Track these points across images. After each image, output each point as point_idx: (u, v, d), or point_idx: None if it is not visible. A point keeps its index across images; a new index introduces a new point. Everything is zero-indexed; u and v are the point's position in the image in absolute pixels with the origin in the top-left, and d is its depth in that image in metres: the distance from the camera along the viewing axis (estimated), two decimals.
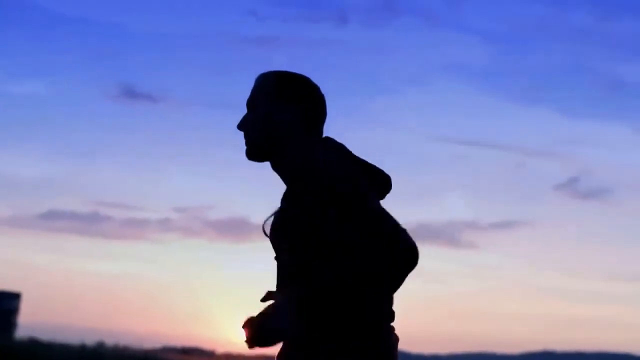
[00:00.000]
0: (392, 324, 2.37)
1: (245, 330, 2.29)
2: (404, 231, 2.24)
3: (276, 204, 2.48)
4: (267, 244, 2.50)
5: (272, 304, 2.26)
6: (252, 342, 2.28)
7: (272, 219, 2.47)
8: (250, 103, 2.53)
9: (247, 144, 2.51)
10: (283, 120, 2.46)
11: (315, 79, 2.58)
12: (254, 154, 2.51)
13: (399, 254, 2.20)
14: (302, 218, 2.32)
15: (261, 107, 2.49)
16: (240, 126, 2.52)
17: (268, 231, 2.47)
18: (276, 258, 2.46)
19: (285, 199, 2.43)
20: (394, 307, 2.39)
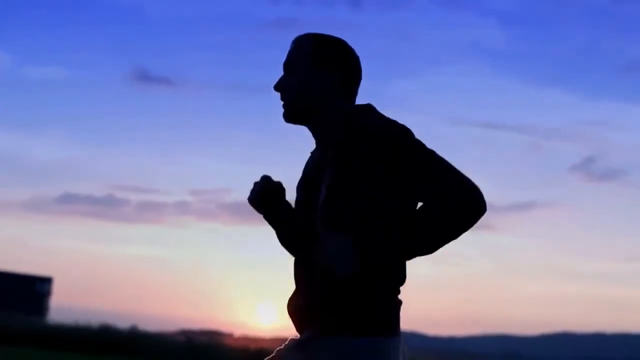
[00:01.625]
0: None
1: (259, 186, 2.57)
2: (470, 181, 2.40)
3: (292, 187, 2.61)
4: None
5: (332, 240, 2.37)
6: (256, 199, 2.58)
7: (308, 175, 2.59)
8: (288, 65, 2.56)
9: (285, 107, 2.56)
10: (323, 84, 2.52)
11: None
12: (293, 118, 2.56)
13: (474, 199, 2.37)
14: (359, 176, 2.40)
15: (300, 70, 2.53)
16: (277, 87, 2.57)
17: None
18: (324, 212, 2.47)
19: (325, 160, 2.50)
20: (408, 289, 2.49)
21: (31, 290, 33.20)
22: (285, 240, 2.64)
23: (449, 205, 2.35)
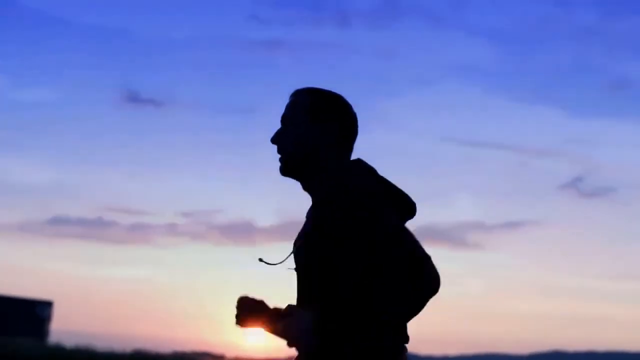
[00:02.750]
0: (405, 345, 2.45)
1: (238, 309, 2.48)
2: (428, 259, 2.36)
3: (283, 208, 2.81)
4: (273, 248, 2.64)
5: (295, 316, 2.37)
6: (239, 321, 2.48)
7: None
8: (286, 119, 2.59)
9: (282, 161, 2.57)
10: (319, 139, 2.54)
11: (320, 81, 2.85)
12: (290, 171, 2.57)
13: (424, 282, 2.33)
14: (325, 243, 2.41)
15: (297, 124, 2.55)
16: (274, 140, 2.59)
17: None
18: (297, 270, 2.53)
19: (311, 219, 2.52)
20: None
21: (32, 314, 33.11)
22: None
23: (418, 298, 2.34)
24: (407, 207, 2.51)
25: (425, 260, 2.35)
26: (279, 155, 2.58)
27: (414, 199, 2.52)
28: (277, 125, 2.62)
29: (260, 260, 2.54)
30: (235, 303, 2.48)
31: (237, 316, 2.47)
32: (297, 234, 2.59)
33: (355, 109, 2.60)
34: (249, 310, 2.45)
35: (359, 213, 2.37)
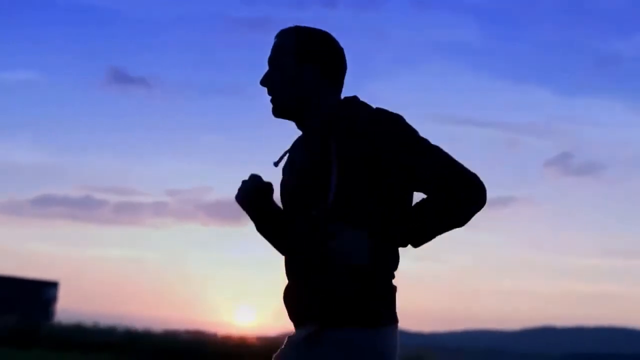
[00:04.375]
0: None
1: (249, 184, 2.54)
2: (467, 168, 2.39)
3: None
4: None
5: (346, 236, 2.36)
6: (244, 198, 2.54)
7: (286, 158, 2.60)
8: (273, 61, 2.57)
9: (273, 102, 2.56)
10: (309, 78, 2.52)
11: None
12: (282, 112, 2.57)
13: (475, 190, 2.37)
14: (365, 152, 2.39)
15: (285, 65, 2.54)
16: (263, 82, 2.57)
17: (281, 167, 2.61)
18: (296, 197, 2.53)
19: (314, 146, 2.49)
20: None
21: (37, 295, 33.26)
22: (272, 238, 2.65)
23: (458, 200, 2.35)
24: None
25: (467, 171, 2.39)
26: (270, 97, 2.56)
27: None
28: (265, 105, 2.60)
29: (276, 164, 2.60)
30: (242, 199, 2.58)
31: (239, 191, 2.58)
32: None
33: (342, 90, 2.58)
34: (256, 190, 2.56)
35: (383, 132, 2.39)
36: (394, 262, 2.45)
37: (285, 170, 2.61)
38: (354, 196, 2.40)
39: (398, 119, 2.42)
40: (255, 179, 2.58)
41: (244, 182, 2.59)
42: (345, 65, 2.58)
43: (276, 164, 2.59)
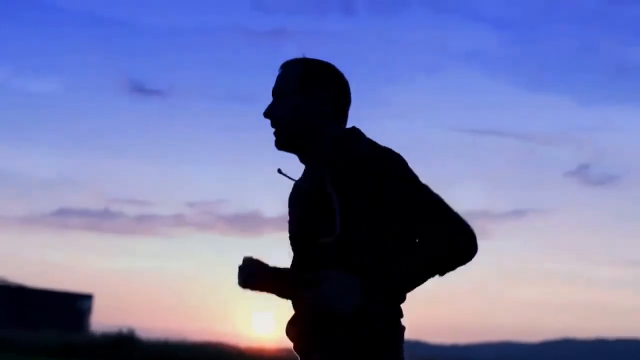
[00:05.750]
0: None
1: (242, 271, 2.41)
2: (463, 220, 2.37)
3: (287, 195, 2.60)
4: (280, 238, 2.56)
5: (331, 284, 2.33)
6: (244, 283, 2.41)
7: (299, 183, 2.56)
8: (278, 91, 2.52)
9: (277, 134, 2.51)
10: (313, 110, 2.48)
11: None
12: (285, 145, 2.52)
13: (464, 240, 2.35)
14: (360, 198, 2.36)
15: (290, 96, 2.49)
16: (267, 114, 2.52)
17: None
18: (299, 235, 2.51)
19: (319, 181, 2.45)
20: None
21: (72, 307, 33.32)
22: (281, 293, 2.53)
23: (453, 249, 2.33)
24: None
25: (464, 221, 2.38)
26: (273, 129, 2.52)
27: None
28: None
29: (279, 171, 2.54)
30: (239, 270, 2.42)
31: (242, 277, 2.41)
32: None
33: (360, 97, 2.56)
34: (257, 271, 2.40)
35: (395, 168, 2.37)
36: (398, 300, 2.41)
37: (291, 201, 2.58)
38: (353, 231, 2.36)
39: (401, 162, 2.39)
40: (249, 262, 2.43)
41: (240, 268, 2.42)
42: (350, 98, 2.54)
43: (280, 171, 2.56)
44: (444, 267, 2.36)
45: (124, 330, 23.23)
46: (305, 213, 2.48)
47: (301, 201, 2.51)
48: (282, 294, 2.48)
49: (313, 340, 2.40)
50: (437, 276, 2.38)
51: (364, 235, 2.36)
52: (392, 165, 2.37)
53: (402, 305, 2.43)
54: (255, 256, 2.39)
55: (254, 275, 2.40)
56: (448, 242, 2.34)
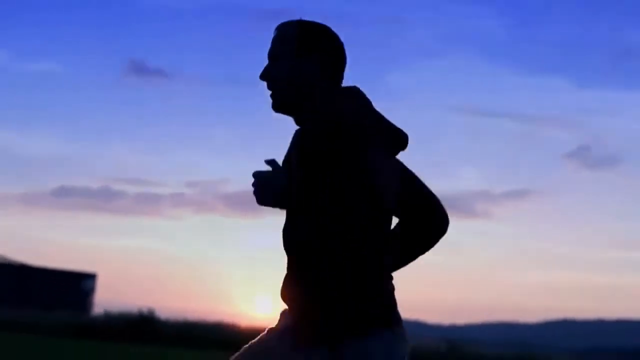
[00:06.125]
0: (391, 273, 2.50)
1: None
2: (434, 197, 2.45)
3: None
4: (280, 217, 2.56)
5: (260, 176, 2.42)
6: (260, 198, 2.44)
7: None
8: (273, 54, 2.55)
9: (273, 96, 2.53)
10: (308, 71, 2.50)
11: None
12: (281, 107, 2.53)
13: (435, 219, 2.44)
14: (310, 174, 2.38)
15: (285, 58, 2.52)
16: (263, 76, 2.54)
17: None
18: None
19: (297, 146, 2.50)
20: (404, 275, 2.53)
21: (76, 287, 33.23)
22: None
23: (432, 232, 2.44)
24: (399, 141, 2.47)
25: (432, 199, 2.44)
26: (270, 92, 2.53)
27: (420, 168, 2.50)
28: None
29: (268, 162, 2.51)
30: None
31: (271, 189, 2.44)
32: None
33: (362, 80, 2.56)
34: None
35: (342, 144, 2.36)
36: (381, 263, 2.43)
37: (284, 164, 2.58)
38: (315, 203, 2.37)
39: (381, 133, 2.41)
40: (274, 167, 2.47)
41: (264, 178, 2.45)
42: (345, 60, 2.56)
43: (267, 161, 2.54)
44: (424, 245, 2.46)
45: (144, 310, 23.22)
46: (291, 178, 2.48)
47: (286, 161, 2.56)
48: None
49: (307, 320, 2.42)
50: (418, 254, 2.48)
51: (328, 206, 2.35)
52: (370, 135, 2.38)
53: (397, 287, 2.47)
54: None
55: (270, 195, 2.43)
56: (437, 228, 2.44)
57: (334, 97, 2.48)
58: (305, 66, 2.49)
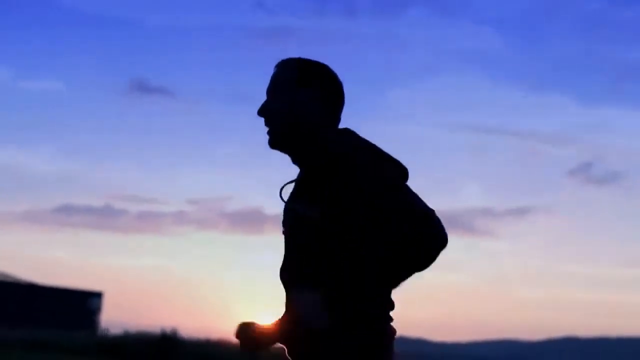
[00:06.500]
0: (391, 313, 2.47)
1: (238, 337, 2.47)
2: (433, 214, 2.37)
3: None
4: (282, 235, 2.53)
5: (303, 302, 2.39)
6: (244, 348, 2.47)
7: (291, 186, 2.56)
8: (271, 90, 2.54)
9: (270, 133, 2.52)
10: (307, 109, 2.48)
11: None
12: (278, 144, 2.52)
13: (430, 237, 2.35)
14: (336, 217, 2.37)
15: (284, 94, 2.50)
16: (261, 112, 2.53)
17: (285, 197, 2.57)
18: (287, 241, 2.53)
19: (305, 191, 2.47)
20: (404, 295, 2.50)
21: (82, 305, 33.25)
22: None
23: (427, 253, 2.35)
24: (402, 174, 2.46)
25: (432, 215, 2.36)
26: (267, 128, 2.53)
27: (423, 186, 2.48)
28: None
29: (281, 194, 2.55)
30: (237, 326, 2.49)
31: (241, 345, 2.47)
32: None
33: (363, 98, 3.22)
34: (250, 335, 2.46)
35: (369, 182, 2.35)
36: (383, 308, 2.42)
37: (284, 224, 2.56)
38: (323, 254, 2.38)
39: (381, 168, 2.40)
40: (242, 331, 2.49)
41: (238, 333, 2.50)
42: (343, 99, 2.54)
43: (281, 192, 2.58)
44: (417, 265, 2.38)
45: (167, 330, 23.27)
46: (289, 215, 2.51)
47: (292, 211, 2.52)
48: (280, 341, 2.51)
49: (302, 345, 2.42)
50: (414, 273, 2.41)
51: (336, 262, 2.37)
52: (379, 179, 2.37)
53: (397, 306, 2.46)
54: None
55: (248, 343, 2.47)
56: (433, 248, 2.36)
57: (335, 134, 2.49)
58: (302, 104, 2.49)
